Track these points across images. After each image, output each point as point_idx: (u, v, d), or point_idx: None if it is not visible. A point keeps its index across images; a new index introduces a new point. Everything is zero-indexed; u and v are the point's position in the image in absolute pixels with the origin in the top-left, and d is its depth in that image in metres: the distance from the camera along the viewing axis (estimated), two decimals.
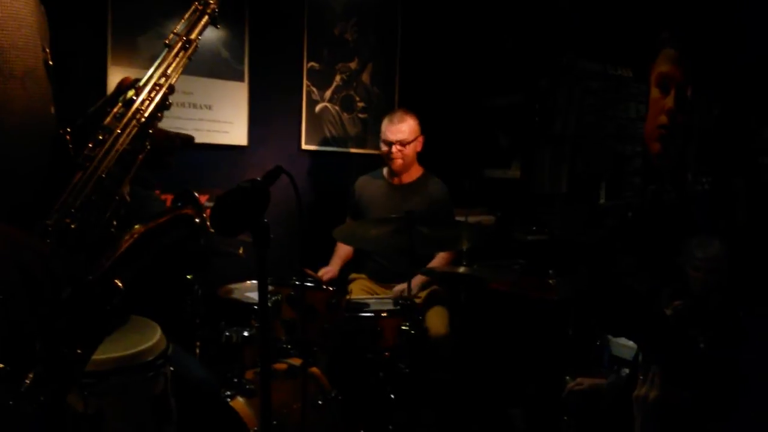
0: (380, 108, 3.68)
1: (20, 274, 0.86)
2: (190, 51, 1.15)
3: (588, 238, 3.52)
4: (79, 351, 0.96)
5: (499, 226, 3.63)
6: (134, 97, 1.06)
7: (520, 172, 3.89)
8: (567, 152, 3.78)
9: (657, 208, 3.53)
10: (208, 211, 1.16)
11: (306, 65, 3.41)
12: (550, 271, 2.68)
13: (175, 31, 1.14)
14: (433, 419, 2.74)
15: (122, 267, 1.00)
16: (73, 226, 0.96)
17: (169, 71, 1.11)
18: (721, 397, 1.38)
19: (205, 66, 3.04)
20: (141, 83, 1.09)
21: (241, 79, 3.16)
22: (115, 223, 1.02)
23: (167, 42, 1.13)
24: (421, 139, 3.02)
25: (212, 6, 1.18)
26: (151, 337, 1.68)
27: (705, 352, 1.41)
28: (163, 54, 1.12)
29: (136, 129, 1.05)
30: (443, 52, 3.86)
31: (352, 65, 3.59)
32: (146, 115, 1.06)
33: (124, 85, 1.10)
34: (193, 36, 1.16)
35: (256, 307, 2.39)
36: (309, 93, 3.44)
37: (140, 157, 1.05)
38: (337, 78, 3.54)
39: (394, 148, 2.93)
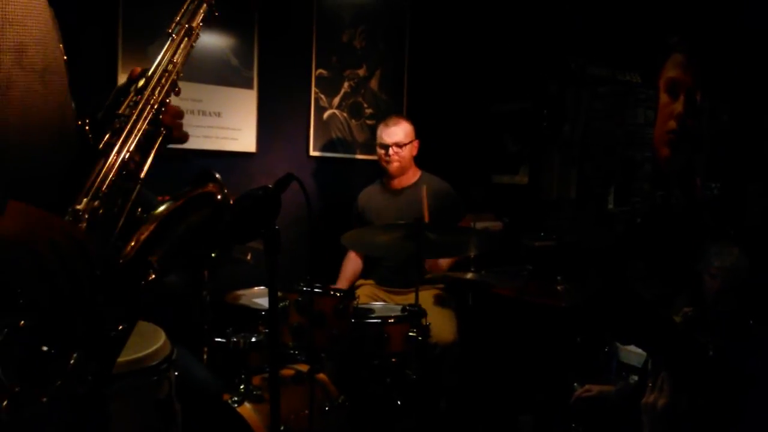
0: (388, 115, 3.68)
1: (57, 257, 0.87)
2: (193, 38, 1.18)
3: (596, 244, 3.51)
4: (120, 327, 0.99)
5: (506, 232, 3.62)
6: (145, 85, 1.10)
7: (528, 177, 3.88)
8: (575, 158, 3.77)
9: (666, 213, 3.51)
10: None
11: (314, 72, 3.43)
12: (558, 278, 2.67)
13: (176, 20, 1.18)
14: (440, 426, 2.73)
15: (152, 246, 1.03)
16: (101, 211, 0.99)
17: (175, 58, 1.15)
18: (730, 404, 1.37)
19: (214, 73, 3.06)
20: (150, 72, 1.13)
21: (250, 86, 3.19)
22: (140, 209, 1.05)
23: (170, 31, 1.17)
24: (416, 143, 3.05)
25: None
26: (155, 342, 1.68)
27: (714, 359, 1.40)
28: (168, 43, 1.16)
29: (151, 114, 1.09)
30: (451, 59, 3.87)
31: (361, 72, 3.61)
32: (159, 100, 1.11)
33: (134, 76, 1.14)
34: (194, 24, 1.19)
35: (264, 313, 2.40)
36: (317, 100, 3.45)
37: (158, 140, 1.10)
38: (346, 85, 3.55)
39: (391, 150, 2.97)
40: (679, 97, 3.56)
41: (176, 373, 1.69)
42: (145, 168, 1.08)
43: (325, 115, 3.50)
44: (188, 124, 3.26)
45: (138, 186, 1.05)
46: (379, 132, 3.06)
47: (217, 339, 2.32)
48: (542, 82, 3.81)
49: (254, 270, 2.58)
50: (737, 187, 3.23)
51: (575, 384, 2.16)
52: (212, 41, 3.06)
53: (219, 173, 3.40)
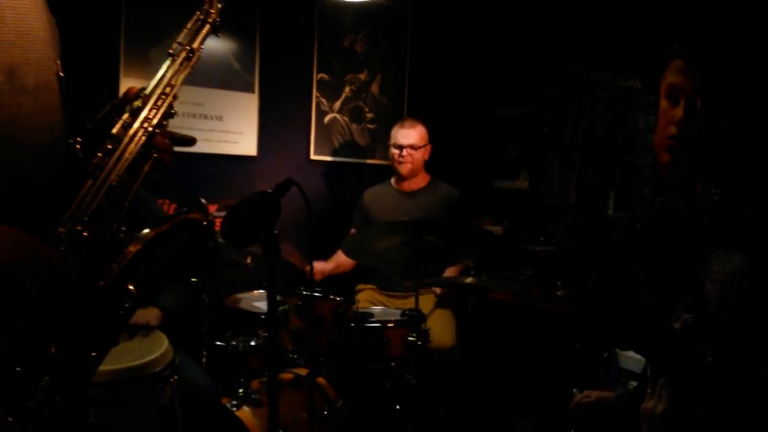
0: (389, 119, 3.70)
1: (35, 281, 0.88)
2: (193, 60, 1.17)
3: (596, 249, 3.51)
4: (93, 354, 0.99)
5: (506, 236, 3.62)
6: (141, 106, 1.09)
7: (528, 182, 3.88)
8: (576, 163, 3.77)
9: (666, 219, 3.51)
10: (218, 220, 1.19)
11: (316, 76, 3.44)
12: (558, 283, 2.67)
13: (178, 40, 1.16)
14: (439, 430, 2.73)
15: (132, 271, 1.02)
16: (85, 234, 0.98)
17: (173, 81, 1.13)
18: (729, 410, 1.37)
19: (215, 77, 3.07)
20: (147, 92, 1.11)
21: (251, 90, 3.19)
22: (124, 229, 1.04)
23: (171, 51, 1.15)
24: (429, 147, 3.07)
25: (213, 15, 1.19)
26: (158, 348, 1.69)
27: (712, 365, 1.40)
28: (168, 63, 1.14)
29: (144, 138, 1.07)
30: (452, 64, 3.88)
31: (362, 76, 3.62)
32: (153, 124, 1.09)
33: (130, 95, 1.12)
34: (195, 45, 1.17)
35: (263, 316, 2.40)
36: (318, 104, 3.46)
37: (148, 164, 1.08)
38: (347, 89, 3.56)
39: (405, 152, 2.98)
40: (679, 102, 3.56)
41: (176, 377, 1.69)
42: (133, 191, 1.06)
43: (326, 119, 3.50)
44: (189, 127, 3.29)
45: (123, 209, 1.04)
46: (394, 132, 3.08)
47: (216, 342, 2.32)
48: (543, 88, 3.82)
49: (254, 273, 2.59)
50: (738, 193, 3.23)
51: (574, 389, 2.16)
52: (214, 45, 3.07)
53: (220, 177, 3.41)
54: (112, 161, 1.03)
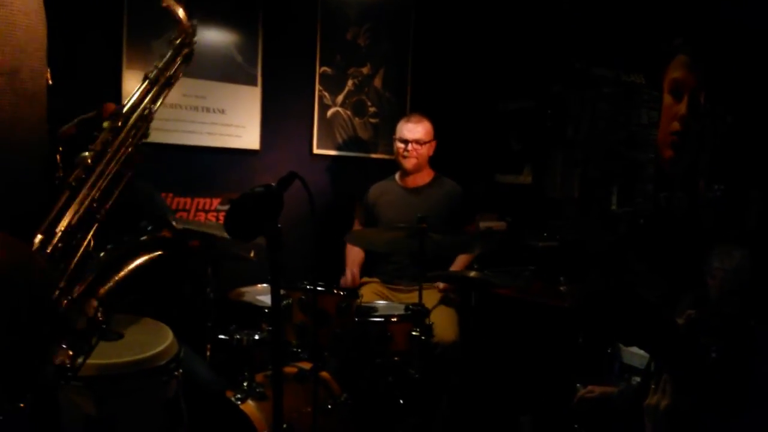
0: (392, 113, 3.69)
1: (28, 288, 0.89)
2: (172, 87, 1.21)
3: (599, 244, 3.51)
4: (67, 363, 0.99)
5: (509, 231, 3.62)
6: (120, 126, 1.11)
7: (531, 177, 3.88)
8: (579, 158, 3.77)
9: (669, 215, 3.51)
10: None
11: (318, 70, 3.43)
12: (561, 278, 2.67)
13: (157, 65, 1.20)
14: (442, 425, 2.73)
15: (97, 287, 1.04)
16: (59, 246, 0.99)
17: (152, 105, 1.17)
18: (732, 406, 1.37)
19: (218, 70, 3.06)
20: (125, 110, 1.14)
21: (254, 83, 3.19)
22: (92, 243, 1.06)
23: (149, 76, 1.19)
24: (434, 143, 3.07)
25: (189, 40, 1.25)
26: (163, 341, 1.69)
27: (716, 361, 1.40)
28: (145, 85, 1.17)
29: (123, 158, 1.10)
30: (455, 58, 3.87)
31: (365, 70, 3.61)
32: (133, 143, 1.12)
33: (106, 113, 1.14)
34: (172, 72, 1.21)
35: (267, 310, 2.40)
36: (321, 97, 3.45)
37: (122, 184, 1.10)
38: (350, 83, 3.55)
39: (410, 146, 2.99)
40: (682, 98, 3.55)
41: (181, 371, 1.70)
42: (107, 207, 1.08)
43: (329, 113, 3.50)
44: (192, 120, 3.28)
45: (96, 223, 1.05)
46: (400, 126, 3.08)
47: (220, 336, 2.32)
48: (546, 82, 3.81)
49: (258, 267, 2.59)
50: (741, 189, 3.22)
51: (578, 385, 2.16)
52: (217, 38, 3.06)
53: (222, 171, 3.39)
54: (92, 179, 1.05)
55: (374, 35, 3.62)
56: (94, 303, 1.02)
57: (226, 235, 1.37)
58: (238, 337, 2.29)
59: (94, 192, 1.04)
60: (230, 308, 2.52)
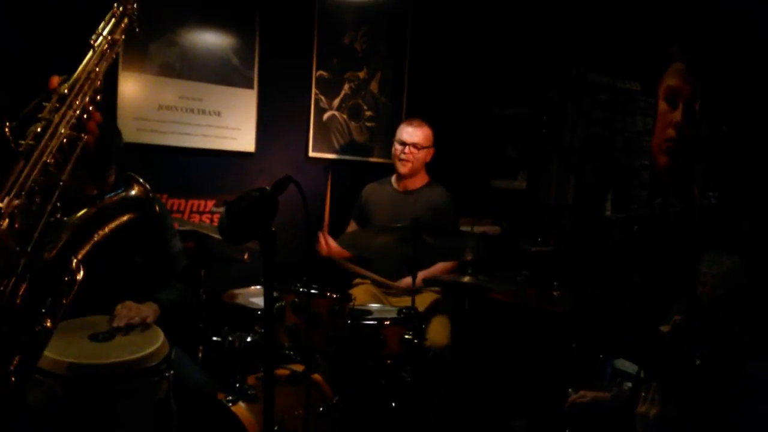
0: (388, 117, 3.70)
1: None
2: (115, 50, 1.23)
3: (593, 250, 3.52)
4: (48, 324, 1.03)
5: (504, 236, 3.63)
6: (66, 92, 1.13)
7: (526, 183, 3.89)
8: (574, 164, 3.78)
9: (663, 222, 3.52)
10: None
11: (315, 73, 3.44)
12: (555, 283, 2.68)
13: (98, 31, 1.23)
14: (433, 429, 2.73)
15: (72, 248, 1.08)
16: (16, 212, 1.01)
17: (97, 68, 1.19)
18: (718, 412, 1.38)
19: (214, 73, 3.07)
20: (71, 80, 1.16)
21: (250, 86, 3.19)
22: (59, 205, 1.08)
23: (92, 42, 1.21)
24: (432, 150, 3.08)
25: (131, 9, 1.26)
26: (154, 342, 1.69)
27: (701, 368, 1.41)
28: (90, 54, 1.20)
29: (73, 120, 1.12)
30: (452, 63, 3.88)
31: (361, 74, 3.61)
32: (80, 106, 1.14)
33: (52, 86, 1.17)
34: (116, 36, 1.23)
35: (259, 312, 2.40)
36: (317, 101, 3.46)
37: (78, 146, 1.13)
38: (346, 87, 3.56)
39: (407, 149, 3.00)
40: (678, 105, 3.57)
41: (172, 372, 1.69)
42: (67, 170, 1.10)
43: (325, 116, 3.50)
44: (188, 122, 3.28)
45: (58, 188, 1.07)
46: (400, 129, 3.10)
47: (212, 338, 2.32)
48: (543, 88, 3.82)
49: (251, 269, 2.59)
50: (735, 196, 3.24)
51: (570, 390, 2.17)
52: (213, 40, 3.07)
53: (218, 173, 3.39)
54: (44, 141, 1.07)
55: (371, 39, 3.63)
56: (75, 259, 1.07)
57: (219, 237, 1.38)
58: (230, 339, 2.29)
59: (46, 155, 1.06)
60: (223, 310, 2.52)
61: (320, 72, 3.46)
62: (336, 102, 3.53)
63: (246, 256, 2.47)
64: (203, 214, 3.05)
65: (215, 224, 2.82)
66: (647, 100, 3.68)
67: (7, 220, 0.99)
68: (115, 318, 1.79)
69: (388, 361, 2.36)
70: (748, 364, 1.50)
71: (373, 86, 3.67)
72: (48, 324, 1.03)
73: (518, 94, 3.91)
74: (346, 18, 3.52)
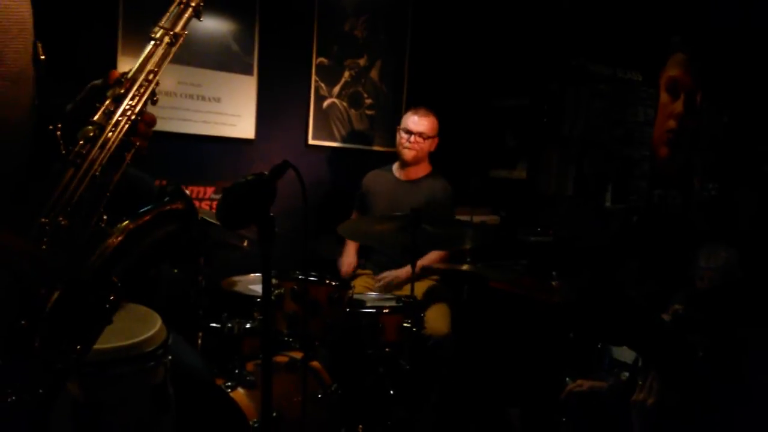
0: (388, 105, 3.69)
1: (15, 278, 0.88)
2: (176, 45, 1.14)
3: (592, 241, 3.52)
4: (78, 348, 0.98)
5: (503, 226, 3.63)
6: (123, 93, 1.06)
7: (526, 172, 3.88)
8: (574, 154, 3.77)
9: (663, 213, 3.52)
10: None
11: (315, 60, 3.42)
12: (553, 273, 2.68)
13: (160, 24, 1.14)
14: (431, 416, 2.75)
15: (115, 262, 1.01)
16: (64, 223, 0.97)
17: (156, 67, 1.11)
18: (717, 403, 1.39)
19: (214, 59, 3.05)
20: (129, 76, 1.09)
21: (250, 72, 3.17)
22: (105, 218, 1.02)
23: (153, 36, 1.13)
24: (436, 140, 3.08)
25: (197, 0, 1.16)
26: (151, 327, 1.69)
27: (702, 359, 1.41)
28: (150, 48, 1.12)
29: (127, 126, 1.05)
30: (453, 52, 3.86)
31: (361, 62, 3.60)
32: (136, 111, 1.07)
33: (112, 80, 1.09)
34: (178, 30, 1.14)
35: (259, 299, 2.40)
36: (317, 88, 3.44)
37: (130, 152, 1.07)
38: (346, 74, 3.54)
39: (413, 138, 3.00)
40: (679, 96, 3.56)
41: (170, 358, 1.69)
42: (114, 181, 1.04)
43: (325, 104, 3.49)
44: (187, 108, 3.26)
45: (105, 198, 1.02)
46: (406, 117, 3.10)
47: (212, 324, 2.33)
48: (543, 78, 3.81)
49: (251, 256, 2.59)
50: (734, 188, 3.24)
51: (567, 379, 2.18)
52: (213, 26, 3.05)
53: (217, 159, 3.38)
54: (95, 150, 1.01)
55: (371, 27, 3.60)
56: (115, 279, 1.00)
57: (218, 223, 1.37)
58: (229, 325, 2.29)
59: (96, 166, 1.01)
60: (222, 297, 2.52)
61: (320, 59, 3.44)
62: (336, 89, 3.52)
63: (245, 243, 2.47)
64: (202, 201, 3.05)
65: (214, 211, 2.82)
66: (648, 90, 3.67)
67: (48, 238, 0.95)
68: None
69: (387, 349, 2.37)
70: (745, 358, 1.51)
71: (374, 74, 3.65)
72: (79, 348, 0.99)
73: (518, 83, 3.89)
74: (346, 5, 3.50)
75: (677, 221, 3.44)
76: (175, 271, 2.28)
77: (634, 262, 3.32)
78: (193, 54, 2.98)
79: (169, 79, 2.93)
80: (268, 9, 3.19)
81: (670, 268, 2.93)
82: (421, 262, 2.92)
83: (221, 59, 3.07)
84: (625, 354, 2.41)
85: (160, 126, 3.24)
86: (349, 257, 3.09)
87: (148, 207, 1.08)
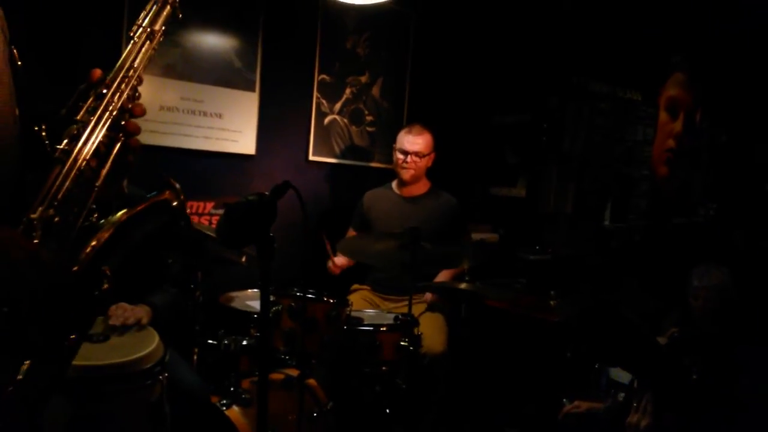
0: (389, 122, 3.71)
1: (10, 271, 0.89)
2: (155, 42, 1.17)
3: (591, 259, 3.52)
4: (73, 337, 1.00)
5: (502, 244, 3.63)
6: (104, 91, 1.09)
7: (525, 190, 3.89)
8: (573, 172, 3.78)
9: (661, 232, 3.52)
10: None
11: (317, 77, 3.44)
12: (552, 292, 2.67)
13: (137, 22, 1.17)
14: None
15: (106, 254, 1.03)
16: (56, 219, 0.99)
17: (136, 63, 1.14)
18: (711, 424, 1.38)
19: (217, 75, 3.07)
20: (110, 77, 1.12)
21: (252, 88, 3.19)
22: (96, 215, 1.05)
23: (131, 34, 1.16)
24: (433, 156, 3.09)
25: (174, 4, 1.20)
26: (148, 345, 1.69)
27: (697, 382, 1.41)
28: (129, 46, 1.15)
29: (110, 121, 1.08)
30: (453, 69, 3.89)
31: (363, 79, 3.62)
32: (118, 106, 1.10)
33: (93, 79, 1.12)
34: (156, 27, 1.17)
35: (256, 316, 2.40)
36: (319, 105, 3.46)
37: (116, 148, 1.09)
38: (348, 91, 3.57)
39: (410, 158, 3.00)
40: (678, 116, 3.58)
41: (166, 374, 1.69)
42: (103, 174, 1.06)
43: (326, 120, 3.51)
44: (189, 123, 3.27)
45: (94, 193, 1.04)
46: (400, 137, 3.09)
47: (208, 341, 2.32)
48: (543, 96, 3.83)
49: (248, 272, 2.59)
50: (732, 208, 3.24)
51: (564, 399, 2.17)
52: (216, 42, 3.07)
53: (218, 175, 3.39)
54: (78, 146, 1.04)
55: (373, 44, 3.63)
56: (107, 270, 1.02)
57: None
58: (226, 342, 2.29)
59: (81, 161, 1.03)
60: (219, 313, 2.52)
61: (322, 76, 3.46)
62: (337, 106, 3.54)
63: (243, 259, 2.47)
64: (202, 216, 3.05)
65: (214, 226, 2.82)
66: (648, 109, 3.69)
67: (39, 232, 0.96)
68: (110, 318, 1.79)
69: (384, 368, 2.36)
70: (742, 378, 1.50)
71: (375, 91, 3.68)
72: (73, 337, 0.99)
73: (519, 101, 3.91)
74: (348, 22, 3.53)
75: (676, 240, 3.44)
76: (170, 261, 2.26)
77: (632, 282, 3.31)
78: (195, 70, 3.00)
79: (172, 94, 2.95)
80: (271, 26, 3.21)
81: (669, 288, 2.92)
82: (437, 280, 2.93)
83: (223, 75, 3.10)
84: (622, 375, 2.39)
85: (162, 141, 3.27)
86: (341, 258, 3.02)
87: (138, 199, 1.11)
